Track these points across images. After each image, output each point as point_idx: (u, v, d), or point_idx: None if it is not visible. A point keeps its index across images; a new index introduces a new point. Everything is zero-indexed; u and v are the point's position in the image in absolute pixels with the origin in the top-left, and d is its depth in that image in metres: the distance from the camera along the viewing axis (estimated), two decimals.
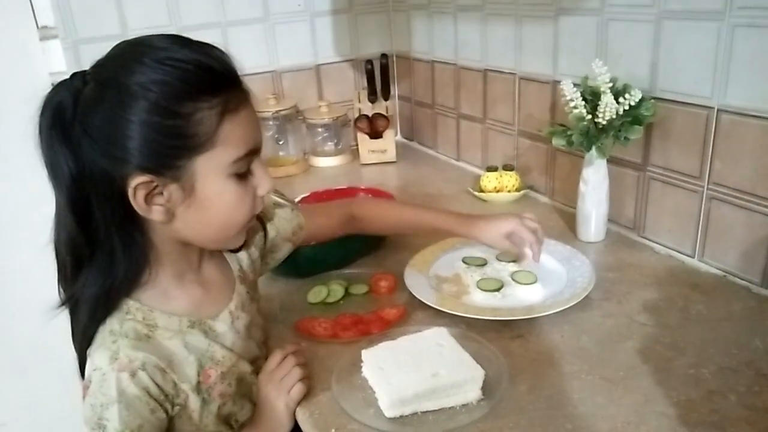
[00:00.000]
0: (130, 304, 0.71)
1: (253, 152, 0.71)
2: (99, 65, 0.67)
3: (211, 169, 0.67)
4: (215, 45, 0.69)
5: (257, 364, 0.83)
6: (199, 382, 0.74)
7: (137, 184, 0.65)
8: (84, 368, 0.72)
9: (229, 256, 0.84)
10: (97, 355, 0.69)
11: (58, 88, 0.66)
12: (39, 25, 1.49)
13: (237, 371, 0.79)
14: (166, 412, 0.71)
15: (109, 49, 0.68)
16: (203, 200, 0.69)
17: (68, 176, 0.65)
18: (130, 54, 0.66)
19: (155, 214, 0.68)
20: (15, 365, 1.63)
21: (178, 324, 0.74)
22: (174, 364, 0.72)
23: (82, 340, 0.72)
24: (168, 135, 0.64)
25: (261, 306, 0.91)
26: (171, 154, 0.65)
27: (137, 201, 0.66)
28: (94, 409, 0.68)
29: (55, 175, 0.66)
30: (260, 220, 0.88)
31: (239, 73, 0.69)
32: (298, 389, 0.79)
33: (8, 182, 1.36)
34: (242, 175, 0.71)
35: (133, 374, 0.68)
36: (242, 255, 0.86)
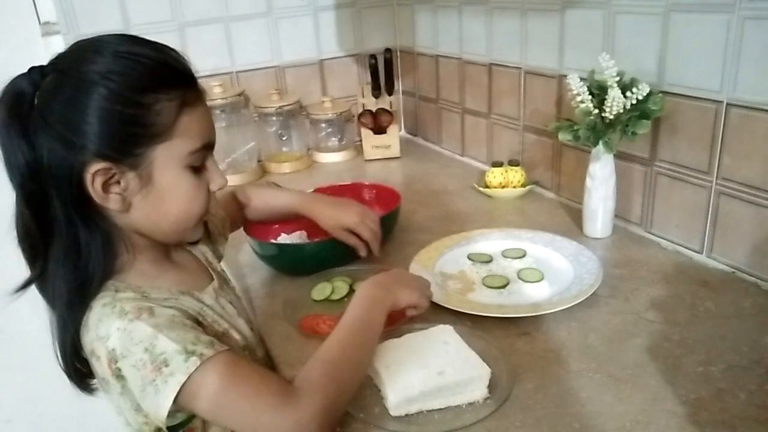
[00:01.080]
0: (117, 285, 0.70)
1: (208, 147, 0.73)
2: (57, 58, 0.68)
3: (168, 159, 0.69)
4: (172, 47, 0.71)
5: (248, 341, 0.83)
6: None
7: (96, 171, 0.66)
8: (67, 365, 0.72)
9: (192, 249, 0.86)
10: (102, 329, 0.66)
11: (15, 81, 0.66)
12: (41, 21, 1.49)
13: (228, 342, 0.76)
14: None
15: None
16: (160, 190, 0.70)
17: (24, 168, 0.65)
18: (89, 48, 0.68)
19: (112, 202, 0.68)
20: (20, 361, 1.63)
21: (169, 293, 0.74)
22: (175, 323, 0.69)
23: (64, 337, 0.70)
24: (128, 123, 0.66)
25: (252, 300, 0.93)
26: (130, 141, 0.67)
27: (95, 188, 0.67)
28: (138, 367, 0.63)
29: (11, 167, 0.66)
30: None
31: (195, 74, 0.72)
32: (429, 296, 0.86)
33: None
34: (197, 169, 0.72)
35: (150, 311, 0.66)
36: (203, 248, 0.88)
